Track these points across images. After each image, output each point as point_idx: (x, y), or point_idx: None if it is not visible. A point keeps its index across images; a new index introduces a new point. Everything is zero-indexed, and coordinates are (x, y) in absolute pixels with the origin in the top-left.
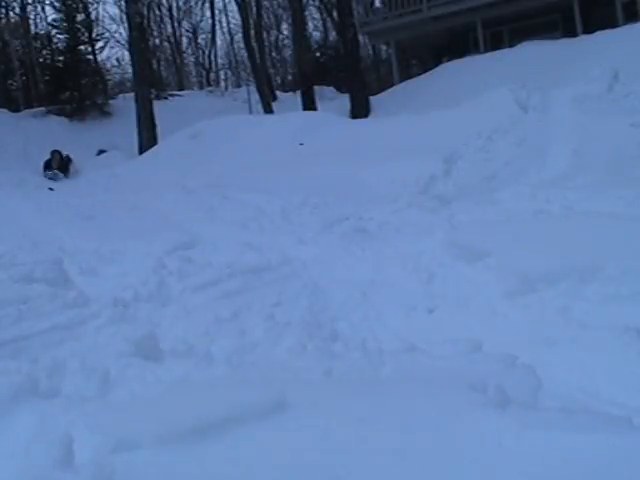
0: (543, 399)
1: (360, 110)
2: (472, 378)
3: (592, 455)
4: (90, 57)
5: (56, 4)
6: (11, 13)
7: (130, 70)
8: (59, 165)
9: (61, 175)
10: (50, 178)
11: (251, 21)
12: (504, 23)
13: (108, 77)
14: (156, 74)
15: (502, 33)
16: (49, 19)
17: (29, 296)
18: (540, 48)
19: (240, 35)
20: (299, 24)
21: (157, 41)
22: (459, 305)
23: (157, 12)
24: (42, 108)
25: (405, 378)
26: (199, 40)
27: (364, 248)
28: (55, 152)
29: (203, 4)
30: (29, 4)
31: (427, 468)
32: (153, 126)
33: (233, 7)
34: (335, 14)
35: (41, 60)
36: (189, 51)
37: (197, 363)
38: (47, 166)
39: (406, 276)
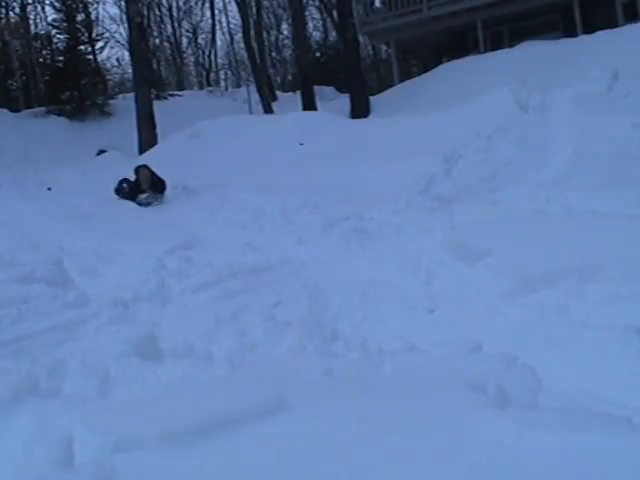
0: (543, 399)
1: (360, 110)
2: (472, 378)
3: (591, 455)
4: (90, 57)
5: (56, 4)
6: (11, 13)
7: (130, 70)
8: (151, 185)
9: (160, 197)
10: (144, 204)
11: (251, 21)
12: (504, 23)
13: (108, 77)
14: (156, 74)
15: (502, 33)
16: (49, 19)
17: (29, 296)
18: (540, 48)
19: (240, 35)
20: (299, 24)
21: (157, 41)
22: (459, 305)
23: (157, 12)
24: (42, 108)
25: (405, 378)
26: (199, 40)
27: (364, 248)
28: (142, 167)
29: (203, 4)
30: (29, 4)
31: (426, 468)
32: (153, 126)
33: (233, 7)
34: (335, 14)
35: (41, 60)
36: (189, 51)
37: (197, 363)
38: (135, 188)
39: (406, 276)
